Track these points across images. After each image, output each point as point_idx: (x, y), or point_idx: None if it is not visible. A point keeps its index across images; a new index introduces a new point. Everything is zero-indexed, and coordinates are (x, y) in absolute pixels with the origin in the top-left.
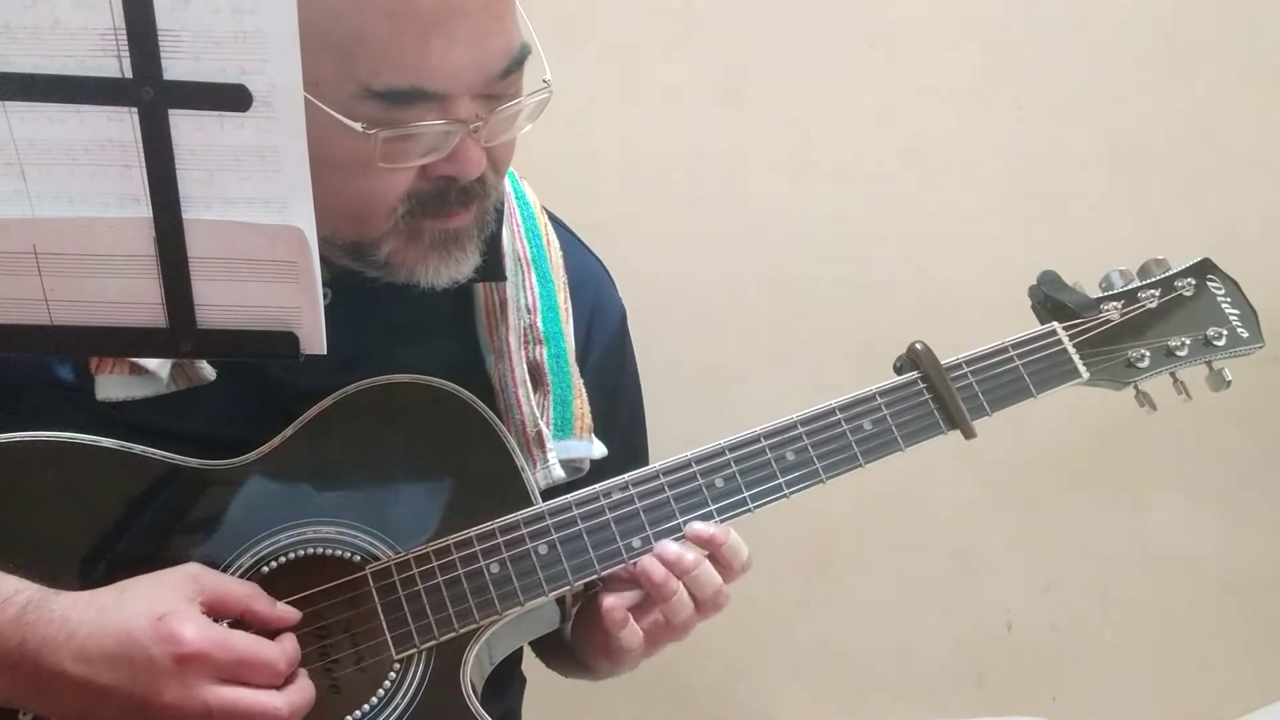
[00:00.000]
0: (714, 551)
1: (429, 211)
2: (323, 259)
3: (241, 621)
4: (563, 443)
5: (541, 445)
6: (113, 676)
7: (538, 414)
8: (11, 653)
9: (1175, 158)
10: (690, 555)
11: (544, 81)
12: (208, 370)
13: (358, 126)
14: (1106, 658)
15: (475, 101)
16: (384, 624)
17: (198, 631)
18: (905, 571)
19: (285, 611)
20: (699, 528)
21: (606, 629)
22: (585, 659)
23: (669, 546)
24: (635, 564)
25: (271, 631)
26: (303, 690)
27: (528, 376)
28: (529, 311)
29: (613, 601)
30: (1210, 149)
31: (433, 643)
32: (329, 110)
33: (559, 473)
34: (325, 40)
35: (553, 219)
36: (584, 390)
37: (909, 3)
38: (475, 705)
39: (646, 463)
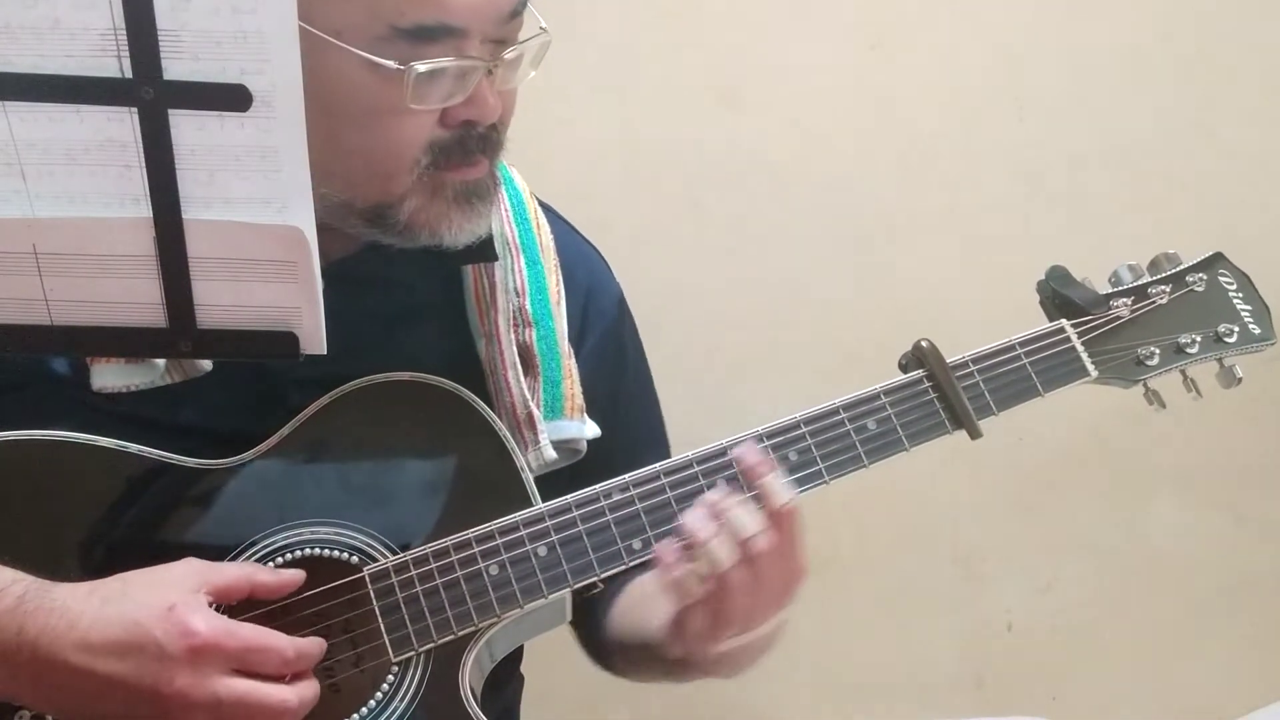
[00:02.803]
0: (755, 482)
1: (452, 160)
2: (335, 235)
3: (251, 598)
4: (554, 423)
5: (533, 426)
6: (118, 666)
7: (528, 396)
8: (10, 642)
9: (1175, 157)
10: (727, 499)
11: (541, 28)
12: (204, 362)
13: (391, 64)
14: (1106, 658)
15: (485, 45)
16: (382, 627)
17: (208, 622)
18: (905, 571)
19: (288, 575)
20: (743, 452)
21: (660, 578)
22: (668, 645)
23: (709, 494)
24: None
25: (278, 596)
26: (312, 685)
27: (518, 359)
28: (517, 294)
29: (665, 544)
30: (1210, 149)
31: (431, 646)
32: (360, 52)
33: (551, 454)
34: None
35: (544, 206)
36: (574, 371)
37: (909, 3)
38: (474, 708)
39: (664, 440)
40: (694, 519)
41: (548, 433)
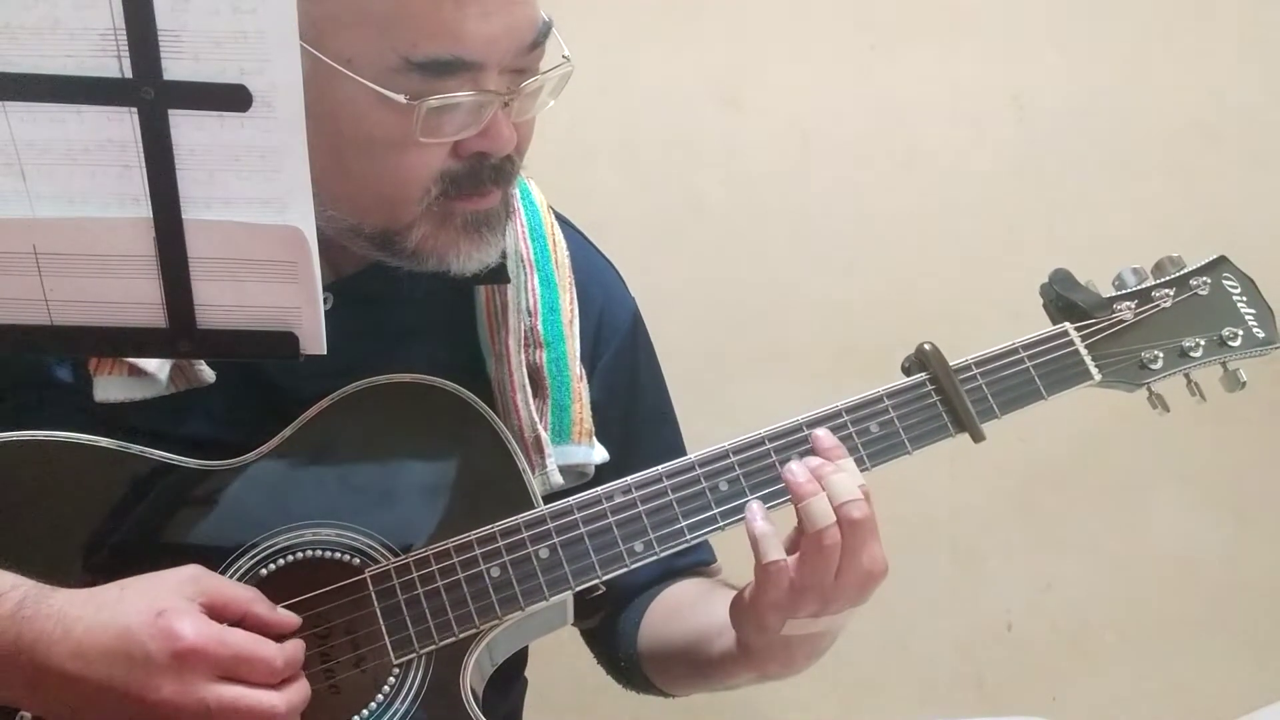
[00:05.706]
0: (833, 462)
1: (462, 191)
2: (344, 252)
3: (242, 625)
4: (561, 448)
5: (540, 450)
6: (109, 673)
7: (536, 418)
8: (6, 648)
9: (1176, 158)
10: (825, 465)
11: (564, 57)
12: (207, 372)
13: (401, 98)
14: (1106, 658)
15: (503, 76)
16: (383, 628)
17: (195, 628)
18: (905, 571)
19: (285, 616)
20: (821, 434)
21: (751, 539)
22: (743, 640)
23: (796, 463)
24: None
25: (271, 636)
26: (301, 689)
27: (527, 380)
28: (530, 314)
29: (754, 503)
30: (1211, 149)
31: (432, 647)
32: (369, 84)
33: (558, 478)
34: (362, 14)
35: (561, 219)
36: (585, 395)
37: (909, 3)
38: (475, 710)
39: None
40: (798, 474)
41: (555, 457)
